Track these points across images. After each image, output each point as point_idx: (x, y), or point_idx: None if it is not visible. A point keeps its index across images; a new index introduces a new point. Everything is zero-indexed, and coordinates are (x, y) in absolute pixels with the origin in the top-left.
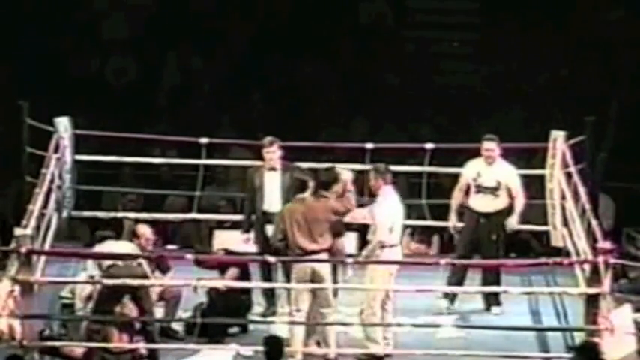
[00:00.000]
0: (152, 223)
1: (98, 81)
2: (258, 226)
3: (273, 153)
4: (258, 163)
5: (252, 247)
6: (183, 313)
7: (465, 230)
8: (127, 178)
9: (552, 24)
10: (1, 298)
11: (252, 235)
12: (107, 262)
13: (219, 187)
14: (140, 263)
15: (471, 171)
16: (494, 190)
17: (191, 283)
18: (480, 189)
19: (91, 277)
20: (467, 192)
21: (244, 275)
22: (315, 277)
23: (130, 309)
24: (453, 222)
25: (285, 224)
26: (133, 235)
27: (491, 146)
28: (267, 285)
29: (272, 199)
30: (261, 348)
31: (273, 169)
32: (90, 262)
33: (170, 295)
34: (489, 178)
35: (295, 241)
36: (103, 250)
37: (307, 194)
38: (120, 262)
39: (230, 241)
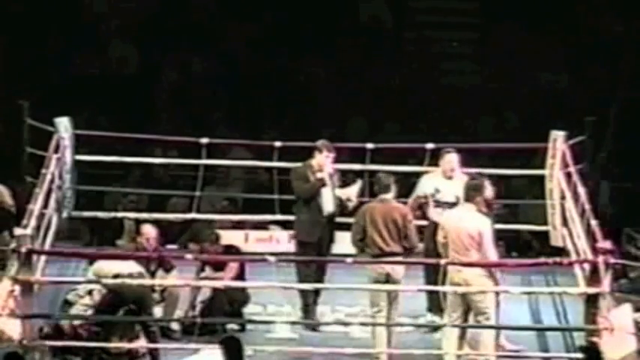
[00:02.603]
0: (153, 223)
1: (98, 81)
2: (321, 227)
3: (332, 158)
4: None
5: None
6: (180, 312)
7: (426, 240)
8: (135, 179)
9: (552, 24)
10: (1, 298)
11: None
12: (109, 275)
13: (219, 187)
14: (142, 274)
15: (428, 186)
16: (452, 205)
17: (191, 283)
18: (439, 204)
19: (90, 291)
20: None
21: (241, 271)
22: (389, 279)
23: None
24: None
25: (365, 222)
26: (137, 234)
27: (452, 159)
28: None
29: (328, 203)
30: (260, 348)
31: (321, 171)
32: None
33: (170, 295)
34: (449, 192)
35: (374, 241)
36: (108, 264)
37: (389, 196)
38: (123, 274)
39: (233, 240)
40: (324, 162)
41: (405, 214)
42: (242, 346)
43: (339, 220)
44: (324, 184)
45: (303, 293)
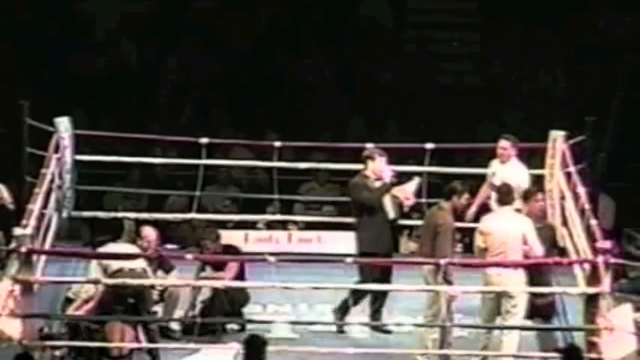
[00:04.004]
0: (152, 223)
1: (98, 81)
2: (387, 235)
3: (384, 161)
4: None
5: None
6: (181, 312)
7: None
8: (135, 179)
9: (552, 24)
10: (1, 297)
11: None
12: (112, 268)
13: (221, 187)
14: (144, 269)
15: (490, 168)
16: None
17: (191, 283)
18: (493, 187)
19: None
20: None
21: (241, 271)
22: (426, 281)
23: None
24: (470, 212)
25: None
26: (137, 235)
27: (503, 144)
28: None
29: (390, 208)
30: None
31: (380, 178)
32: (93, 267)
33: (170, 295)
34: (499, 177)
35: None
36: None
37: (446, 204)
38: (125, 269)
39: (233, 240)
40: (382, 167)
41: (439, 224)
42: (265, 347)
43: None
44: (393, 184)
45: (372, 298)
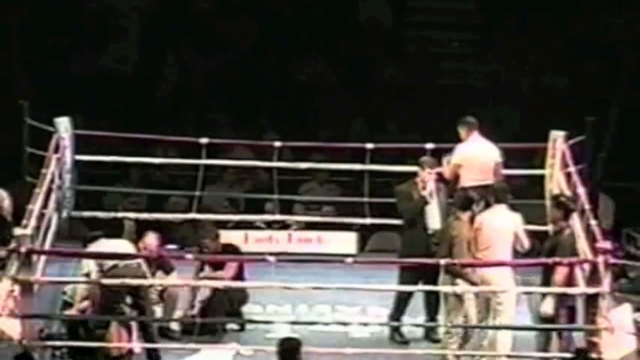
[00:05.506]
0: (152, 223)
1: (98, 81)
2: (424, 244)
3: (433, 174)
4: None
5: None
6: (180, 312)
7: None
8: (134, 180)
9: (552, 24)
10: (1, 298)
11: None
12: (108, 263)
13: (222, 187)
14: (139, 264)
15: None
16: None
17: (190, 283)
18: None
19: (87, 274)
20: None
21: (240, 270)
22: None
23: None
24: None
25: None
26: (137, 236)
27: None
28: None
29: (434, 219)
30: (260, 347)
31: (425, 187)
32: (85, 262)
33: (169, 296)
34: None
35: None
36: (99, 249)
37: (463, 214)
38: (120, 264)
39: (233, 239)
40: (426, 179)
41: (454, 235)
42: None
43: None
44: (426, 202)
45: (399, 301)
